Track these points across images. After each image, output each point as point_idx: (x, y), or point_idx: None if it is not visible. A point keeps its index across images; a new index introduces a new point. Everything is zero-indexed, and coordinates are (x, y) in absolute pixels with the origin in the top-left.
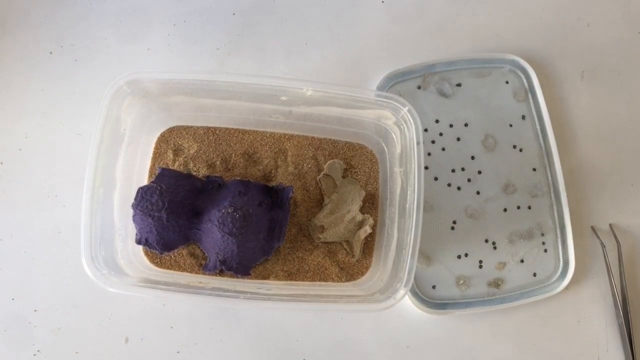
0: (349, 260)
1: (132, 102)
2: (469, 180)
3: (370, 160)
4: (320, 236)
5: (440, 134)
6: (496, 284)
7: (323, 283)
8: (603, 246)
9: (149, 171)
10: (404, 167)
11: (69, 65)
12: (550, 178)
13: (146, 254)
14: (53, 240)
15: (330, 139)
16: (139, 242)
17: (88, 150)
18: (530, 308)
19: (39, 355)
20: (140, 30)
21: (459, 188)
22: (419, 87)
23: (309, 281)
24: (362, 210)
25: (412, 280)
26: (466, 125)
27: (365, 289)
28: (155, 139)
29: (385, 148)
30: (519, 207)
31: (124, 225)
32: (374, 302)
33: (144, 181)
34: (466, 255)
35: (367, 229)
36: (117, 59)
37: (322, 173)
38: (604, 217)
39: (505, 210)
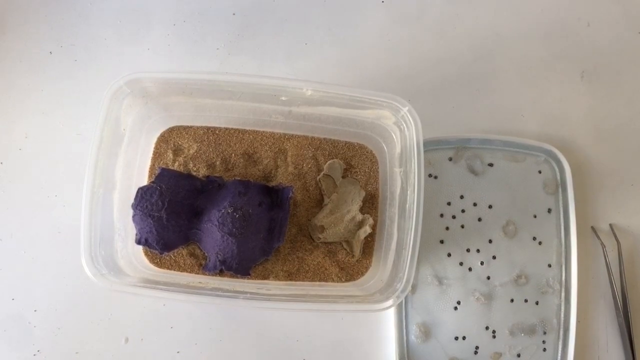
0: (349, 260)
1: (132, 102)
2: (482, 263)
3: (370, 160)
4: (320, 236)
5: (462, 211)
6: None
7: (323, 283)
8: (603, 246)
9: (149, 171)
10: (404, 167)
11: (68, 65)
12: (564, 277)
13: (146, 254)
14: (53, 240)
15: (330, 139)
16: (138, 242)
17: (88, 150)
18: None
19: (39, 356)
20: (140, 30)
21: (470, 269)
22: (450, 159)
23: (309, 281)
24: (362, 210)
25: (412, 280)
26: (490, 207)
27: (365, 289)
28: (155, 139)
29: (385, 148)
30: (526, 301)
31: (124, 226)
32: (374, 302)
33: (144, 181)
34: (464, 338)
35: (367, 229)
36: (117, 59)
37: (322, 173)
38: (604, 217)
39: (512, 300)
